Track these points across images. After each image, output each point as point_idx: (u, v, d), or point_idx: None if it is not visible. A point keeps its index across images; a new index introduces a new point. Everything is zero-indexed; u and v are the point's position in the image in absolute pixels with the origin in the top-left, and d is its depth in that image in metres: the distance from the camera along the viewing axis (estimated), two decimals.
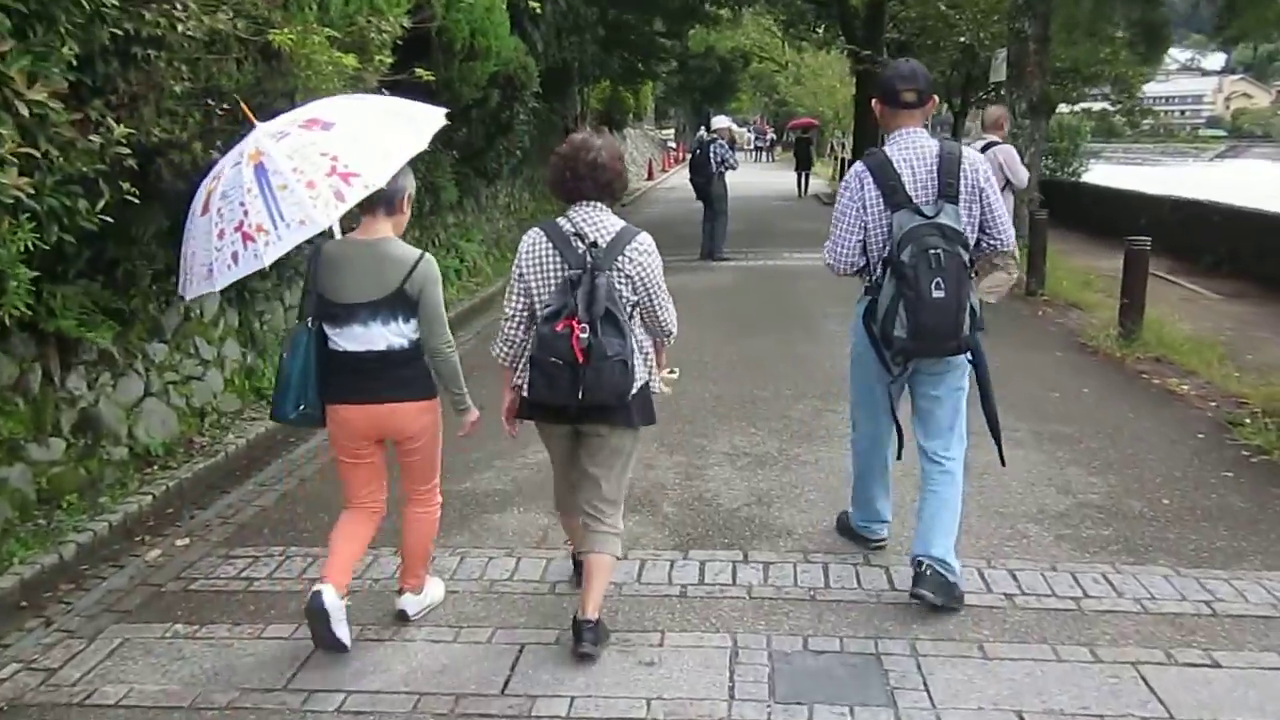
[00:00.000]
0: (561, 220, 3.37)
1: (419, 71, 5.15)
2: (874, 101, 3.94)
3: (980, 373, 3.84)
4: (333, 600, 3.34)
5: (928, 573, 3.70)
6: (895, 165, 3.69)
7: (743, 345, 8.38)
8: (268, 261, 2.96)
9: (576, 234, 3.30)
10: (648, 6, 19.49)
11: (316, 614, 3.32)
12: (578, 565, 3.86)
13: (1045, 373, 7.49)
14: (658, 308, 3.41)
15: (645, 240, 3.37)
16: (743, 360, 7.88)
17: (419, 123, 3.36)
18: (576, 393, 3.19)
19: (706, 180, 13.69)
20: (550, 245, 3.32)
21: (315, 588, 3.38)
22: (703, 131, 15.87)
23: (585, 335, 3.14)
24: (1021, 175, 9.37)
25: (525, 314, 3.41)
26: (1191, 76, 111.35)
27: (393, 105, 3.57)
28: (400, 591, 3.73)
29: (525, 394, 3.41)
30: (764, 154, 56.73)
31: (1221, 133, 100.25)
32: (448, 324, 3.50)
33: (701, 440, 5.94)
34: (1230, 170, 55.15)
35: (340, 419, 3.46)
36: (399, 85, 5.90)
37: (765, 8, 25.66)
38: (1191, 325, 8.93)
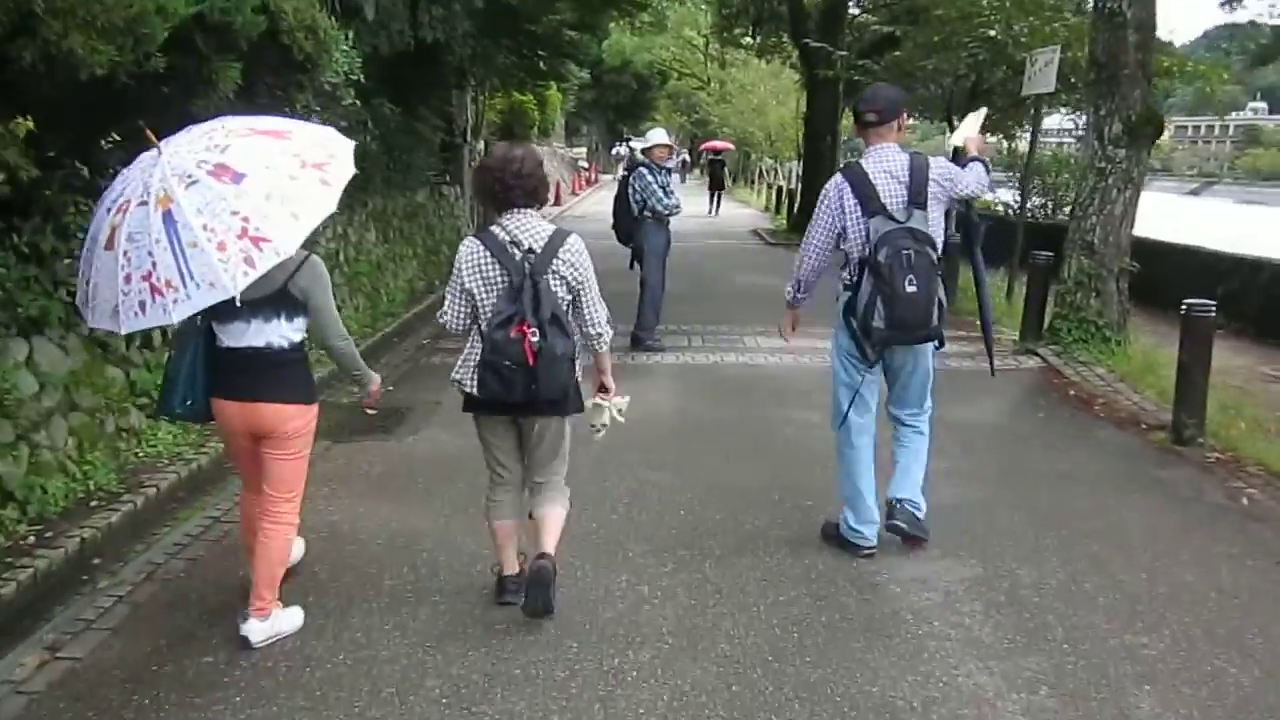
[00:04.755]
0: (495, 229, 3.55)
1: None
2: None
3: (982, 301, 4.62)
4: (260, 635, 3.50)
5: (899, 508, 4.44)
6: (871, 177, 4.10)
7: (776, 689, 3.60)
8: (175, 320, 3.05)
9: (512, 241, 3.50)
10: None
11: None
12: (501, 583, 3.91)
13: None
14: (587, 306, 3.62)
15: (575, 241, 3.60)
16: None
17: (330, 173, 3.25)
18: (529, 391, 3.40)
19: (629, 228, 8.76)
20: (488, 254, 3.51)
21: (241, 629, 3.50)
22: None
23: (536, 339, 3.35)
24: None
25: (468, 319, 3.61)
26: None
27: (305, 149, 3.29)
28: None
29: (474, 392, 3.55)
30: (676, 176, 52.35)
31: None
32: (339, 319, 3.60)
33: None
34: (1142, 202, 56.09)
35: (219, 412, 3.53)
36: None
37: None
38: None
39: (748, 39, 25.70)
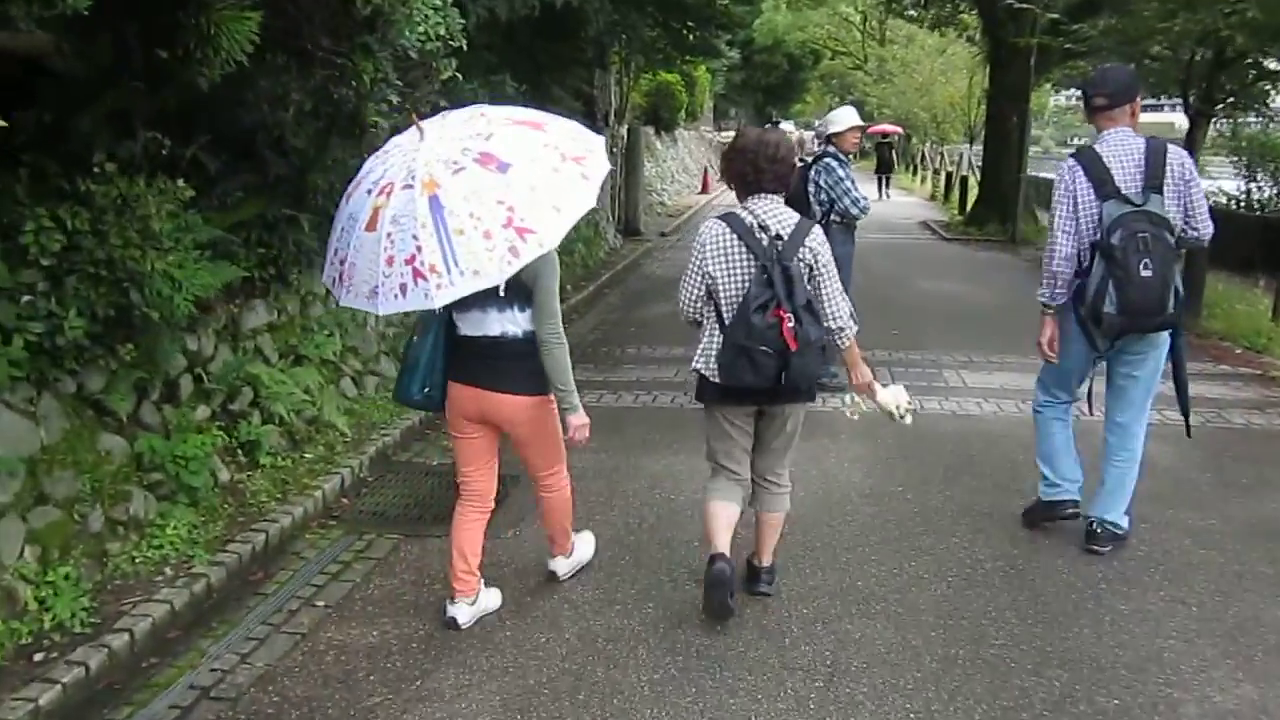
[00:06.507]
0: (741, 212, 3.44)
1: None
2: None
3: (1177, 350, 4.07)
4: (465, 616, 3.62)
5: (1099, 530, 4.22)
6: (1104, 160, 3.94)
7: None
8: (437, 305, 3.01)
9: (760, 225, 3.38)
10: None
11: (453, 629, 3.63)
12: (713, 560, 3.57)
13: None
14: (829, 298, 3.44)
15: (819, 232, 3.46)
16: None
17: (589, 167, 3.21)
18: (780, 377, 3.30)
19: None
20: (735, 237, 3.40)
21: (448, 612, 3.63)
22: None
23: (794, 325, 3.23)
24: None
25: (701, 303, 3.51)
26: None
27: (563, 142, 3.26)
28: (552, 555, 4.00)
29: (716, 379, 3.44)
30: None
31: None
32: (560, 316, 3.44)
33: None
34: None
35: (452, 396, 3.55)
36: None
37: None
38: None
39: (915, 10, 23.22)
